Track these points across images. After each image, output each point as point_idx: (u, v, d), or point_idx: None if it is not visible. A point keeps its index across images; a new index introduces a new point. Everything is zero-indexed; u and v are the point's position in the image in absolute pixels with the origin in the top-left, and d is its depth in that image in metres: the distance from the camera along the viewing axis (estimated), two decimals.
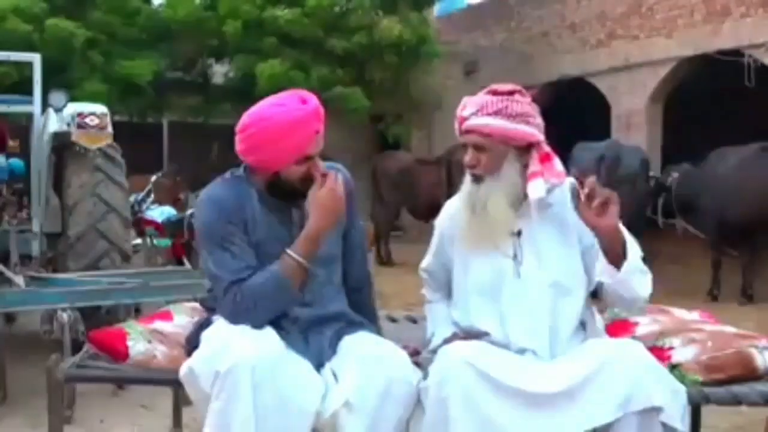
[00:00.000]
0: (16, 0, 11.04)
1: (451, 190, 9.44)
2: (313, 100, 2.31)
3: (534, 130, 2.34)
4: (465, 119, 2.37)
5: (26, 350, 4.69)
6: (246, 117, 2.32)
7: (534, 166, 2.33)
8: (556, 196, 2.37)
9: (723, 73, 10.96)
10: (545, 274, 2.34)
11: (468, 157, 2.37)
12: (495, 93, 2.36)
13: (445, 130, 13.38)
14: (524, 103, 2.35)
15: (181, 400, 3.30)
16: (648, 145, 11.66)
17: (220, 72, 13.83)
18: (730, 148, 8.47)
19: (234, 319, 2.24)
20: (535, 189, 2.31)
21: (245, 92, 12.46)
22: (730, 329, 2.61)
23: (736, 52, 10.72)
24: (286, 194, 2.35)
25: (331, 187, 2.27)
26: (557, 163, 2.36)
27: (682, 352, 2.38)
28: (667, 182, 8.74)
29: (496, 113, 2.31)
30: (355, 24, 12.29)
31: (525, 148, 2.34)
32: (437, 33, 13.61)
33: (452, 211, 2.52)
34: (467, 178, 2.41)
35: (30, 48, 8.27)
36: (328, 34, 12.20)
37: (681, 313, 2.80)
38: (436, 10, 15.14)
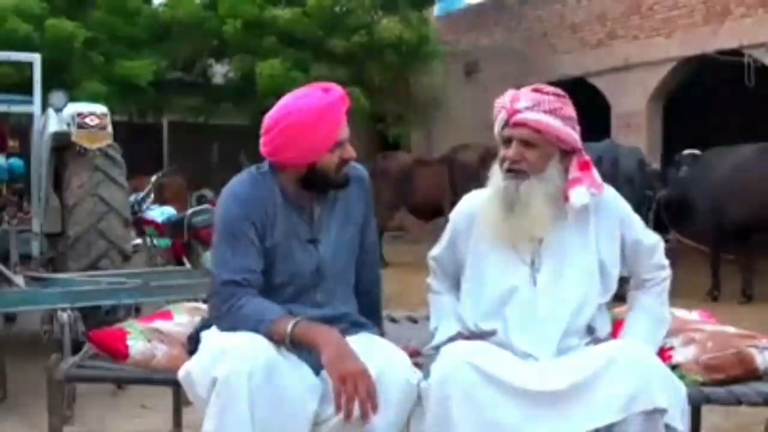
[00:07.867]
0: (17, 0, 11.06)
1: (455, 190, 9.47)
2: (336, 87, 2.31)
3: (578, 136, 2.32)
4: (517, 111, 2.29)
5: (26, 350, 4.69)
6: (270, 117, 2.29)
7: (574, 172, 2.30)
8: None
9: (723, 73, 10.97)
10: (563, 284, 2.31)
11: (512, 151, 2.29)
12: (542, 92, 2.31)
13: (445, 130, 13.42)
14: (572, 108, 2.32)
15: (181, 400, 3.30)
16: (648, 145, 11.66)
17: (220, 72, 13.85)
18: (726, 147, 8.47)
19: (215, 321, 2.27)
20: (579, 196, 2.28)
21: (245, 92, 12.49)
22: (730, 329, 2.60)
23: (736, 52, 10.72)
24: (321, 185, 2.33)
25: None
26: (596, 173, 2.33)
27: (682, 352, 2.38)
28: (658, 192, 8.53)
29: (551, 112, 2.27)
30: (355, 24, 12.29)
31: (566, 153, 2.31)
32: (437, 33, 13.61)
33: (474, 206, 2.44)
34: (498, 173, 2.34)
35: (30, 48, 8.26)
36: (328, 34, 12.21)
37: (681, 313, 2.79)
38: (436, 9, 15.14)
